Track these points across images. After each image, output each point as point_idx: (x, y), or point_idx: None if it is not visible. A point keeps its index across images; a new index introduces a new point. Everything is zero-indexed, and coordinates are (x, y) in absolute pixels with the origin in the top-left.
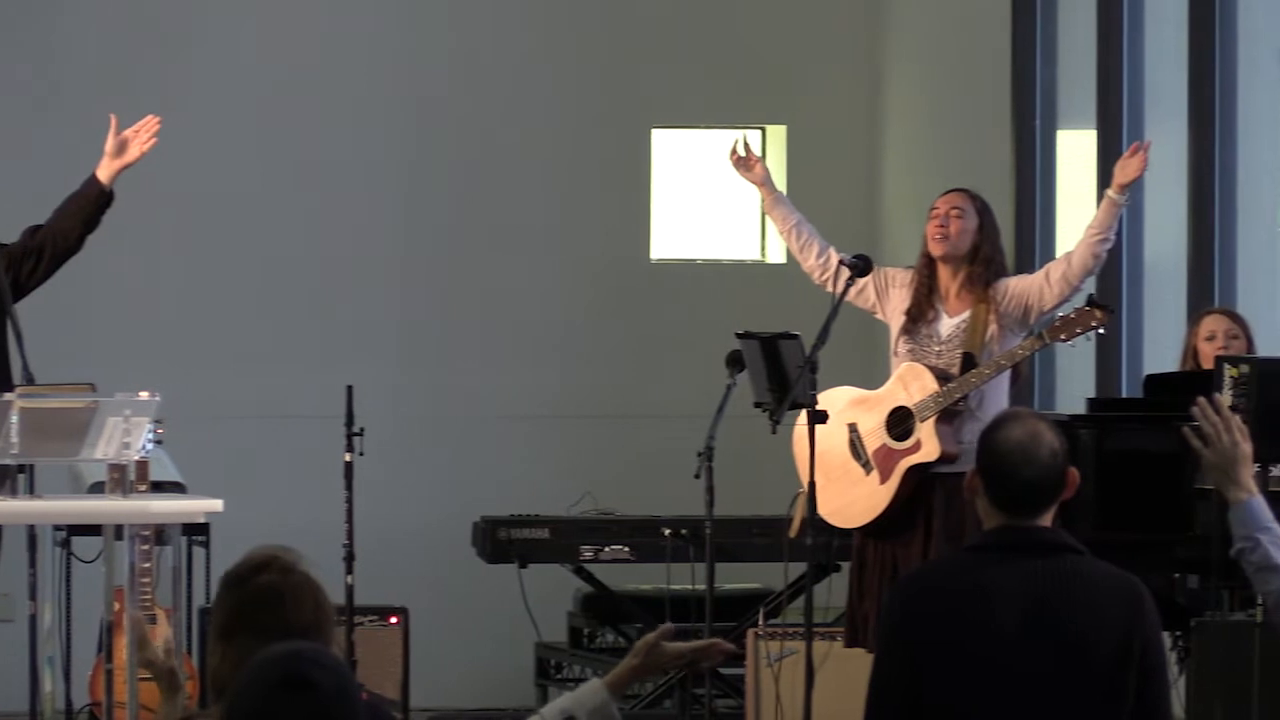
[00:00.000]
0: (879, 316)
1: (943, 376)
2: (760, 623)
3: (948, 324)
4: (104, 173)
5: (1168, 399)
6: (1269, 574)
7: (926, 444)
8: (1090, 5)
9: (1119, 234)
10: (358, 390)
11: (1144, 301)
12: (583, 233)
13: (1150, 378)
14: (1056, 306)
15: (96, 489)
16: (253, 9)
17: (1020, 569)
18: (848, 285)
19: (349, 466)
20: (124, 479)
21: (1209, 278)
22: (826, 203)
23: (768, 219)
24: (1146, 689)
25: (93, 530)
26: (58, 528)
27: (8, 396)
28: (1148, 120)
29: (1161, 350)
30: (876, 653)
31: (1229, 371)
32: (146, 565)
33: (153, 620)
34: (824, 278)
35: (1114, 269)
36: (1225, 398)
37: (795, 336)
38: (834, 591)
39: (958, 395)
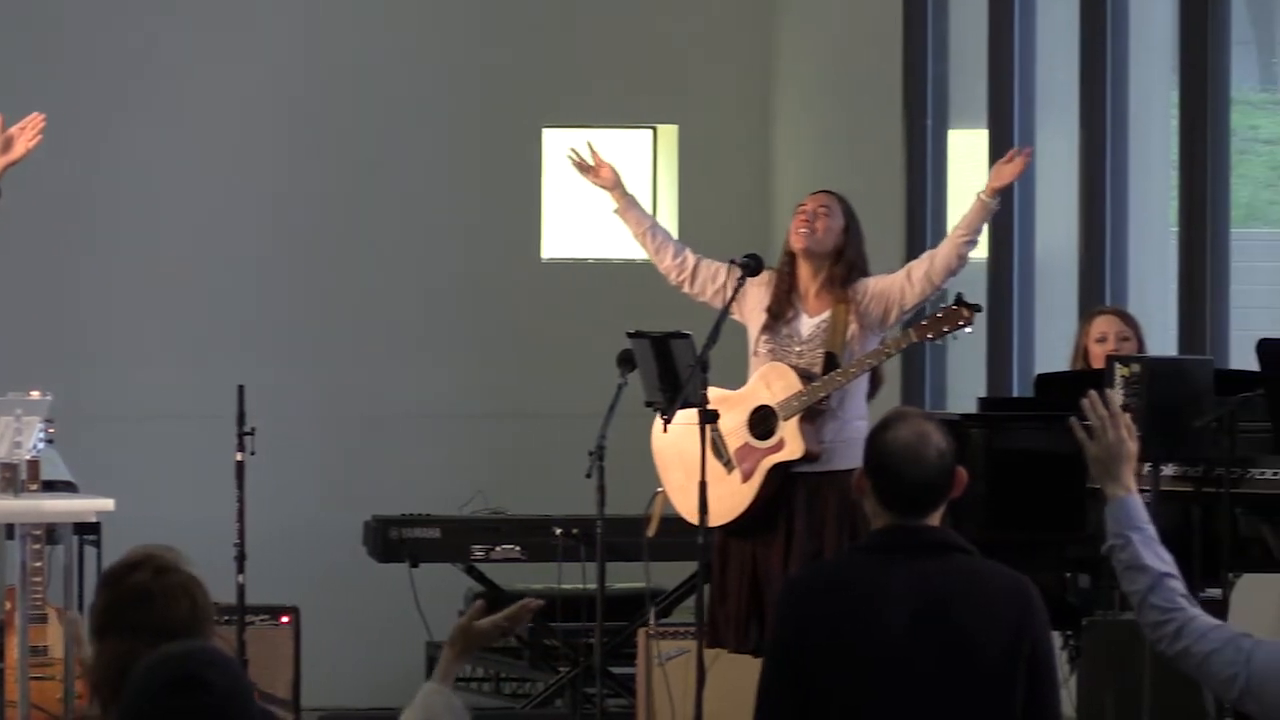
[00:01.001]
0: (735, 316)
1: (806, 376)
2: (651, 622)
3: (808, 324)
4: None
5: (1059, 398)
6: (1137, 573)
7: (790, 443)
8: (981, 4)
9: (1011, 233)
10: (249, 390)
11: (1035, 300)
12: (474, 232)
13: (1041, 377)
14: (918, 305)
15: None
16: (142, 7)
17: (909, 569)
18: (739, 285)
19: (240, 466)
20: (15, 478)
21: (1100, 277)
22: (718, 202)
23: (661, 217)
24: (1036, 688)
25: None
26: None
27: None
28: (1039, 119)
29: (1053, 349)
30: (766, 652)
31: (1120, 371)
32: (38, 564)
33: (43, 619)
34: (680, 279)
35: (1005, 267)
36: (1116, 397)
37: (686, 336)
38: None
39: (822, 394)
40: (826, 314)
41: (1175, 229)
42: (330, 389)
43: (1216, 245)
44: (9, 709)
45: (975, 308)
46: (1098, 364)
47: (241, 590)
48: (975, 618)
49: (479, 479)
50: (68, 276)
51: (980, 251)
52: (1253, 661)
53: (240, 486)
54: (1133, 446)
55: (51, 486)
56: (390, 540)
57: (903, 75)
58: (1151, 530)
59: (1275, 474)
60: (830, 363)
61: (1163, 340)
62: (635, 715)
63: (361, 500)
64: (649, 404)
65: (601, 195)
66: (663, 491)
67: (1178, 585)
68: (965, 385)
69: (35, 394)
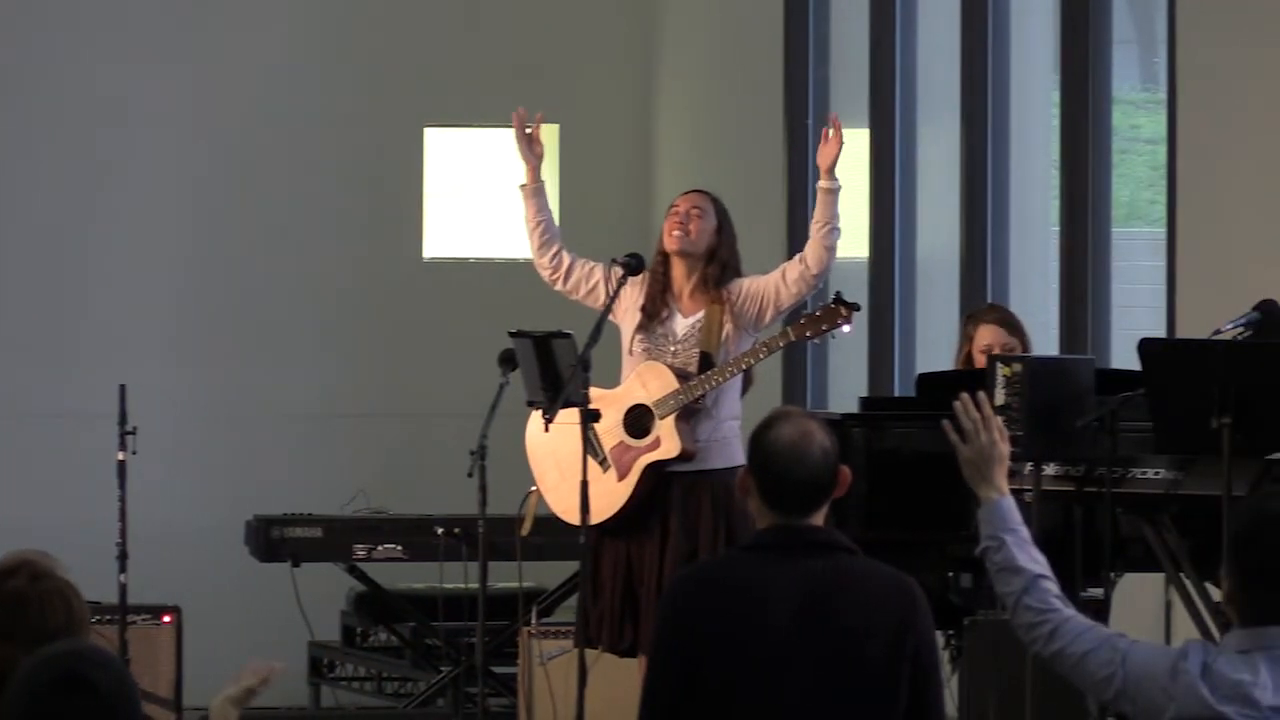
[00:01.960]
0: (610, 317)
1: (682, 375)
2: (533, 622)
3: (682, 323)
4: None
5: (940, 398)
6: (1011, 575)
7: (666, 441)
8: (863, 4)
9: (892, 232)
10: (131, 389)
11: (916, 300)
12: (355, 231)
13: (923, 376)
14: (794, 305)
15: None
16: (24, 14)
17: (793, 568)
18: (620, 284)
19: (122, 465)
20: None
21: (982, 276)
22: (599, 201)
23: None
24: (919, 688)
25: None
26: None
27: None
28: (920, 118)
29: (934, 348)
30: (651, 651)
31: (1002, 370)
32: None
33: None
34: (554, 276)
35: (886, 267)
36: (999, 397)
37: (568, 335)
38: None
39: (698, 393)
40: (701, 314)
41: (1056, 228)
42: (212, 388)
43: (1098, 244)
44: None
45: (853, 306)
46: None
47: (123, 590)
48: (859, 617)
49: (361, 478)
50: None
51: (861, 250)
52: (1128, 662)
53: (122, 486)
54: (1004, 449)
55: None
56: (272, 539)
57: (784, 75)
58: (1025, 532)
59: (1157, 473)
60: (705, 362)
61: (1044, 339)
62: (517, 715)
63: (243, 499)
64: (530, 403)
65: (488, 193)
66: (536, 490)
67: (1052, 586)
68: (847, 385)
69: None
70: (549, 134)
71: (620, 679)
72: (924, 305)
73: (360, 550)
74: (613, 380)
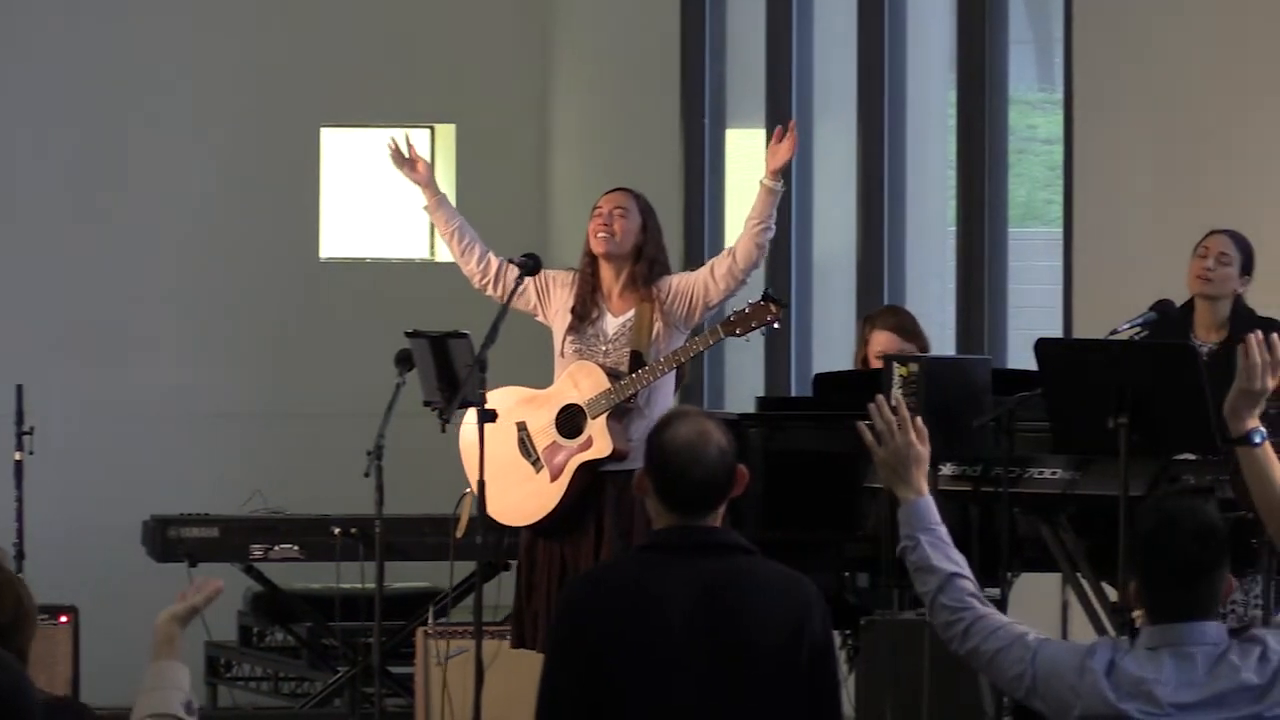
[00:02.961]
0: (540, 319)
1: (613, 374)
2: (430, 621)
3: (613, 323)
4: None
5: (837, 398)
6: (926, 574)
7: (598, 441)
8: (759, 4)
9: (788, 232)
10: (27, 389)
11: (813, 300)
12: (252, 231)
13: (819, 376)
14: (723, 301)
15: None
16: None
17: (690, 568)
18: (516, 284)
19: (18, 465)
20: None
21: (878, 277)
22: (496, 202)
23: None
24: (817, 687)
25: None
26: None
27: None
28: (817, 120)
29: (830, 349)
30: (547, 652)
31: (898, 370)
32: None
33: None
34: (484, 282)
35: (783, 267)
36: (895, 397)
37: (464, 335)
38: (503, 590)
39: (630, 392)
40: (631, 313)
41: (953, 228)
42: (108, 388)
43: (994, 244)
44: None
45: (782, 304)
46: None
47: None
48: (756, 617)
49: (258, 478)
50: None
51: None
52: (1037, 660)
53: (19, 486)
54: (923, 450)
55: None
56: (169, 539)
57: (680, 74)
58: (942, 531)
59: (1054, 473)
60: (636, 361)
61: (941, 339)
62: (414, 715)
63: (140, 500)
64: (428, 403)
65: (384, 193)
66: (470, 492)
67: (967, 585)
68: (743, 385)
69: None
70: (445, 134)
71: (518, 678)
72: (821, 305)
73: (257, 550)
74: (545, 382)
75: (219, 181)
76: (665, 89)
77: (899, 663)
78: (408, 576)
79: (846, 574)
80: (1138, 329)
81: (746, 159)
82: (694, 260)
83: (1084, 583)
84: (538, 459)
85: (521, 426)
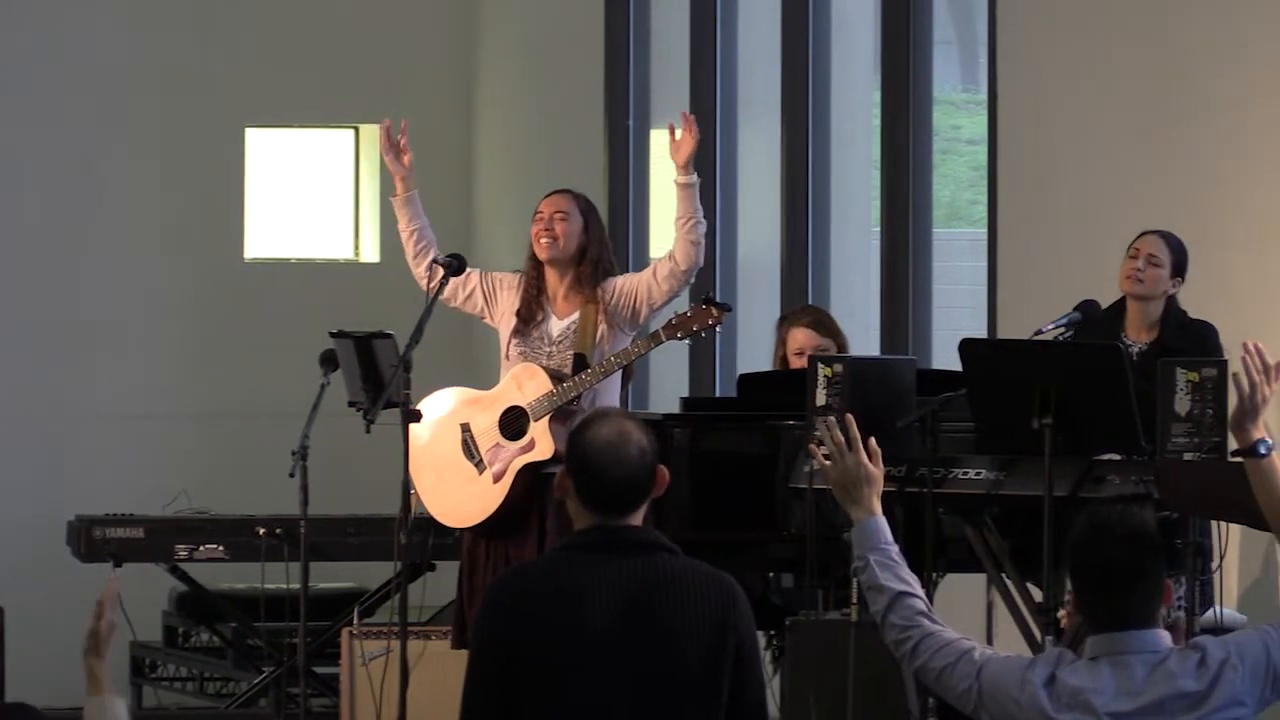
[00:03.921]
0: (487, 322)
1: (557, 376)
2: (355, 622)
3: (557, 325)
4: None
5: (761, 398)
6: (875, 594)
7: (540, 443)
8: (683, 3)
9: (713, 232)
10: None
11: (738, 300)
12: (176, 231)
13: (744, 377)
14: (668, 302)
15: None
16: None
17: (613, 568)
18: (442, 284)
19: None
20: None
21: (802, 277)
22: (421, 202)
23: (364, 218)
24: (740, 687)
25: None
26: None
27: None
28: (740, 119)
29: (755, 350)
30: (471, 653)
31: (823, 371)
32: None
33: None
34: (431, 285)
35: (708, 267)
36: (820, 397)
37: (389, 336)
38: (428, 591)
39: (573, 394)
40: (575, 316)
41: (877, 228)
42: (34, 388)
43: (919, 245)
44: None
45: (725, 307)
46: None
47: None
48: (680, 616)
49: (183, 479)
50: None
51: None
52: (983, 675)
53: None
54: (875, 471)
55: None
56: (94, 540)
57: (604, 75)
58: (893, 551)
59: (978, 474)
60: (580, 363)
61: (865, 340)
62: (339, 715)
63: (64, 499)
64: (352, 404)
65: (309, 193)
66: (414, 493)
67: (916, 603)
68: (668, 385)
69: None
70: (369, 135)
71: (444, 678)
72: (745, 305)
73: (182, 550)
74: (490, 383)
75: (144, 182)
76: (590, 89)
77: (824, 663)
78: (332, 577)
79: (771, 574)
80: (1062, 329)
81: (669, 158)
82: (619, 259)
83: (1009, 583)
84: (480, 460)
85: (465, 428)
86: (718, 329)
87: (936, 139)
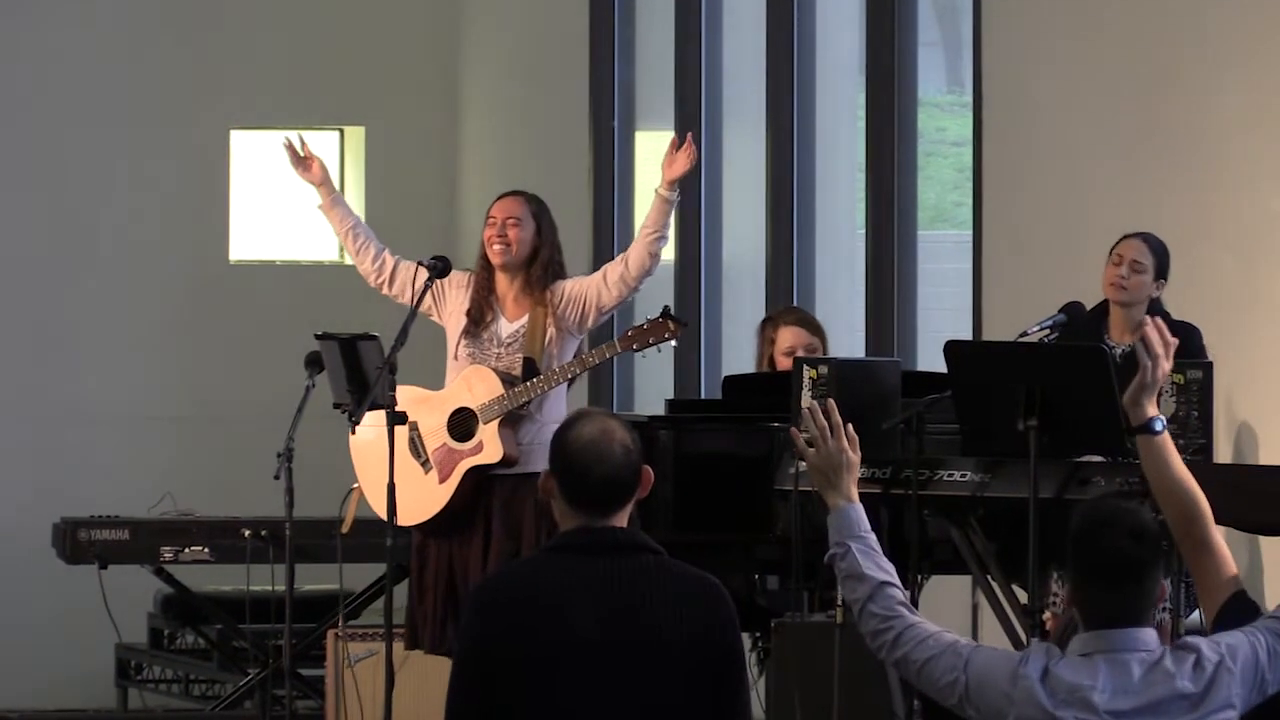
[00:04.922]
0: (434, 319)
1: (508, 380)
2: (340, 624)
3: (507, 327)
4: None
5: (746, 400)
6: (856, 582)
7: (488, 446)
8: (668, 6)
9: (698, 234)
10: None
11: (723, 303)
12: (161, 233)
13: (729, 379)
14: (616, 307)
15: None
16: None
17: (598, 569)
18: (426, 286)
19: None
20: None
21: (787, 279)
22: (406, 204)
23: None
24: (726, 689)
25: None
26: None
27: None
28: (726, 122)
29: (740, 352)
30: (455, 656)
31: (808, 373)
32: None
33: None
34: (379, 280)
35: (693, 269)
36: (804, 399)
37: (374, 338)
38: None
39: (523, 400)
40: (525, 319)
41: (863, 231)
42: (17, 389)
43: (904, 247)
44: None
45: (681, 322)
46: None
47: None
48: (665, 618)
49: (168, 481)
50: None
51: (667, 253)
52: (970, 668)
53: None
54: (854, 456)
55: None
56: (79, 541)
57: (589, 76)
58: (872, 539)
59: (963, 475)
60: (529, 367)
61: (850, 342)
62: (325, 717)
63: (50, 501)
64: (338, 406)
65: (293, 195)
66: (357, 488)
67: (897, 593)
68: (653, 387)
69: None
70: (354, 136)
71: (430, 680)
72: (730, 308)
73: (167, 552)
74: (436, 383)
75: (129, 184)
76: (574, 91)
77: (809, 665)
78: (318, 579)
79: (756, 576)
80: (1047, 331)
81: (655, 161)
82: (601, 262)
83: (994, 585)
84: (427, 460)
85: (413, 427)
86: (674, 343)
87: (921, 141)
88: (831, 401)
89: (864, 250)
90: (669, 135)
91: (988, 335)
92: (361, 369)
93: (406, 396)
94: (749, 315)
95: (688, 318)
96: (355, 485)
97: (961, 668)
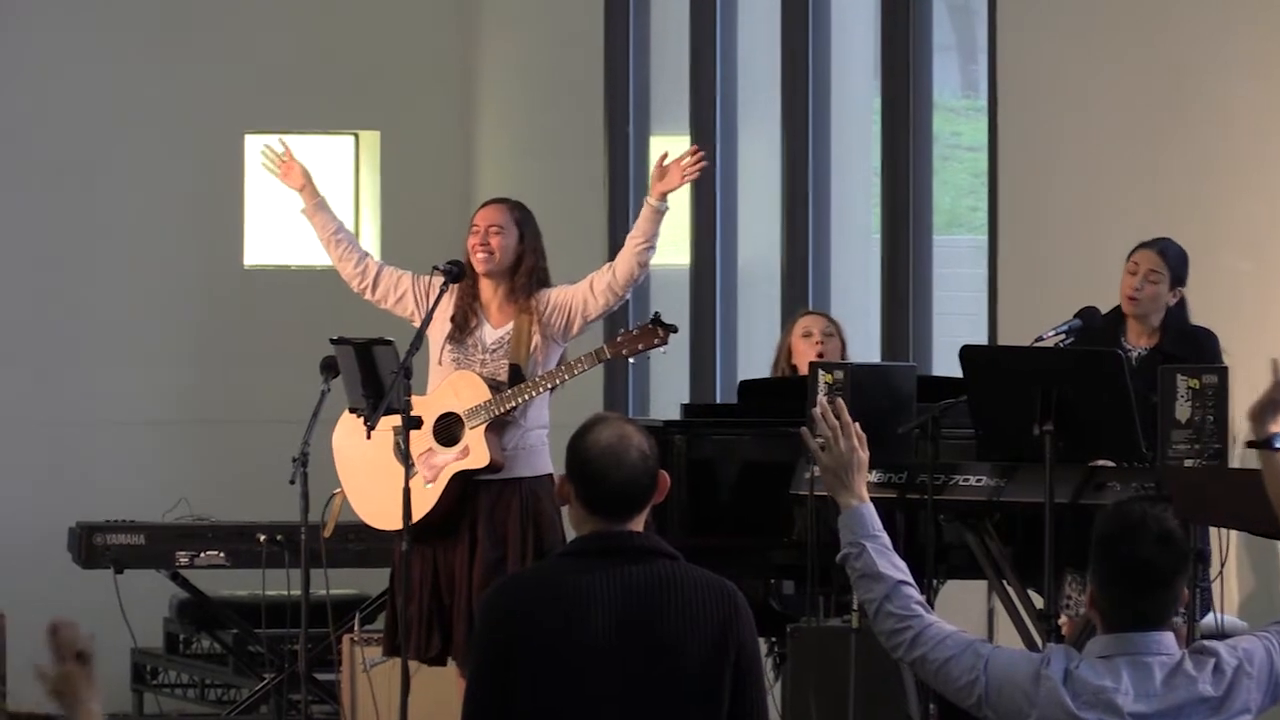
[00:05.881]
0: (415, 324)
1: (494, 386)
2: (355, 628)
3: (492, 334)
4: None
5: (762, 404)
6: (872, 581)
7: (475, 451)
8: (683, 12)
9: (713, 238)
10: None
11: (738, 307)
12: (176, 238)
13: (744, 383)
14: (601, 316)
15: None
16: None
17: (614, 575)
18: (442, 291)
19: None
20: None
21: (803, 284)
22: (421, 209)
23: (364, 224)
24: (742, 694)
25: None
26: None
27: None
28: (741, 124)
29: (756, 356)
30: (471, 662)
31: (824, 377)
32: None
33: None
34: (362, 285)
35: (708, 273)
36: (822, 402)
37: (389, 342)
38: None
39: (509, 406)
40: (509, 326)
41: (878, 235)
42: (36, 394)
43: (919, 252)
44: None
45: (670, 328)
46: (802, 360)
47: None
48: (681, 623)
49: (183, 485)
50: None
51: (683, 257)
52: (990, 668)
53: None
54: (864, 456)
55: None
56: (95, 546)
57: (604, 80)
58: (885, 539)
59: (979, 480)
60: (514, 373)
61: (866, 347)
62: None
63: (65, 506)
64: (353, 410)
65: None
66: (340, 492)
67: (913, 593)
68: (668, 392)
69: None
70: (369, 141)
71: (445, 685)
72: (745, 312)
73: (183, 557)
74: (418, 388)
75: (143, 189)
76: (589, 96)
77: (825, 670)
78: (333, 584)
79: (772, 580)
80: (1062, 336)
81: None
82: None
83: (1010, 590)
84: (412, 464)
85: (398, 430)
86: (664, 350)
87: (936, 145)
88: (840, 401)
89: (879, 254)
90: (684, 140)
91: (1003, 340)
92: (376, 373)
93: None
94: (764, 319)
95: (703, 322)
96: (337, 490)
97: (981, 668)
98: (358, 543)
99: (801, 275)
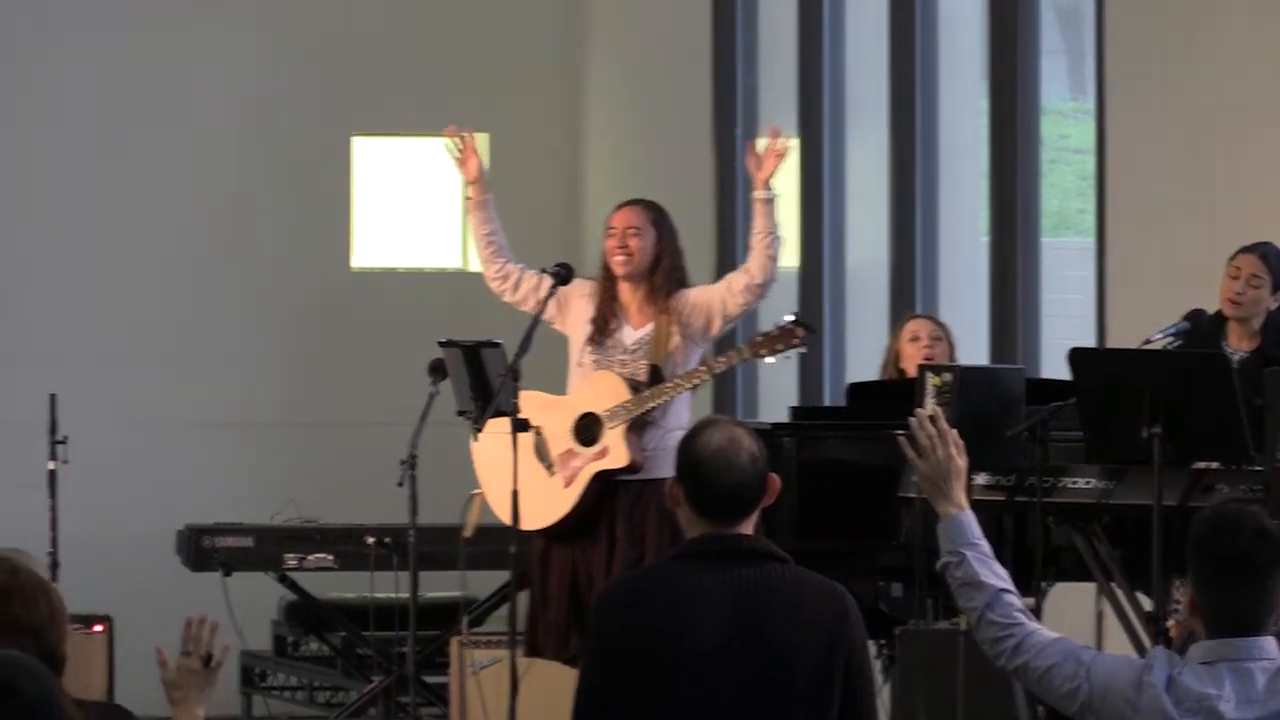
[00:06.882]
0: (557, 327)
1: (634, 386)
2: (464, 631)
3: (632, 335)
4: None
5: (871, 407)
6: (973, 590)
7: (614, 451)
8: (791, 13)
9: (821, 241)
10: (61, 398)
11: (847, 310)
12: (284, 240)
13: (853, 386)
14: (741, 315)
15: None
16: None
17: (725, 577)
18: (550, 294)
19: (52, 474)
20: None
21: (911, 287)
22: (529, 210)
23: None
24: (852, 697)
25: None
26: None
27: None
28: (849, 128)
29: (864, 359)
30: (583, 661)
31: (932, 380)
32: None
33: None
34: (502, 288)
35: (816, 277)
36: (928, 406)
37: (497, 345)
38: None
39: (648, 406)
40: (649, 327)
41: (986, 238)
42: (142, 397)
43: (1027, 254)
44: None
45: (810, 328)
46: (910, 364)
47: None
48: (791, 627)
49: (291, 487)
50: None
51: (791, 260)
52: (1092, 675)
53: (53, 495)
54: (962, 463)
55: None
56: (203, 549)
57: (712, 84)
58: (985, 546)
59: (1087, 483)
60: (654, 374)
61: (974, 349)
62: None
63: (174, 508)
64: (461, 413)
65: (416, 202)
66: (480, 493)
67: (1014, 600)
68: (777, 395)
69: None
70: (479, 143)
71: (553, 688)
72: (854, 315)
73: (291, 559)
74: (558, 389)
75: (252, 191)
76: (697, 98)
77: (933, 672)
78: (441, 585)
79: (880, 583)
80: (1170, 339)
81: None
82: (726, 270)
83: (1119, 592)
84: (551, 464)
85: (538, 431)
86: (803, 350)
87: (1044, 148)
88: (938, 409)
89: (987, 257)
90: (793, 142)
91: (1111, 342)
92: (485, 376)
93: (531, 402)
94: (873, 322)
95: (812, 324)
96: (477, 491)
97: (1084, 675)
98: (467, 545)
99: (909, 278)
